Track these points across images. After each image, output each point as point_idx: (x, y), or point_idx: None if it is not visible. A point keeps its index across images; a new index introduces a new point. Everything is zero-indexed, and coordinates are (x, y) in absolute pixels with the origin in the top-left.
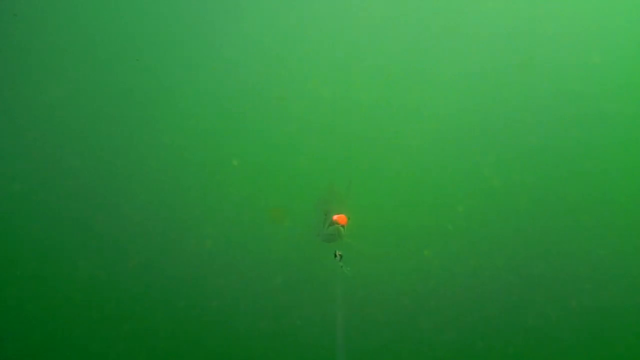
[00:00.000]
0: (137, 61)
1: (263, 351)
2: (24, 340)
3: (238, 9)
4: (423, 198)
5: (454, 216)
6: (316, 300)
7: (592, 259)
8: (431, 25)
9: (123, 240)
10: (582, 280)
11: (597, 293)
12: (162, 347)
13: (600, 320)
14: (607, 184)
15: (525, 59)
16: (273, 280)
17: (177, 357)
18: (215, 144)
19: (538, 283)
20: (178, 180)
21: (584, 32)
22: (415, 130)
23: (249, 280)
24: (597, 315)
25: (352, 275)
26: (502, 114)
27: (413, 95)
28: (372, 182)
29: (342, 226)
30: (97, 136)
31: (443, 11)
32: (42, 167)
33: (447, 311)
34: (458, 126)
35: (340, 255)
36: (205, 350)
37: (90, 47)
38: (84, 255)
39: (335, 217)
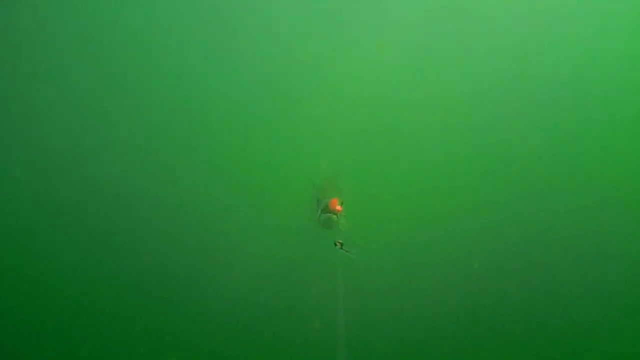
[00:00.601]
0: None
1: (264, 349)
2: (27, 339)
3: (242, 8)
4: (425, 192)
5: (455, 212)
6: (316, 296)
7: (594, 257)
8: (435, 22)
9: (126, 237)
10: (584, 279)
11: (597, 292)
12: (163, 346)
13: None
14: (610, 183)
15: (531, 58)
16: (272, 277)
17: (180, 356)
18: (218, 142)
19: (541, 279)
20: (178, 180)
21: (589, 33)
22: (419, 124)
23: (248, 277)
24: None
25: (355, 260)
26: (506, 110)
27: (415, 91)
28: (373, 177)
29: (336, 212)
30: (98, 136)
31: (446, 10)
32: (46, 169)
33: (447, 307)
34: (460, 122)
35: (340, 243)
36: (206, 349)
37: (93, 47)
38: (88, 255)
39: (329, 203)
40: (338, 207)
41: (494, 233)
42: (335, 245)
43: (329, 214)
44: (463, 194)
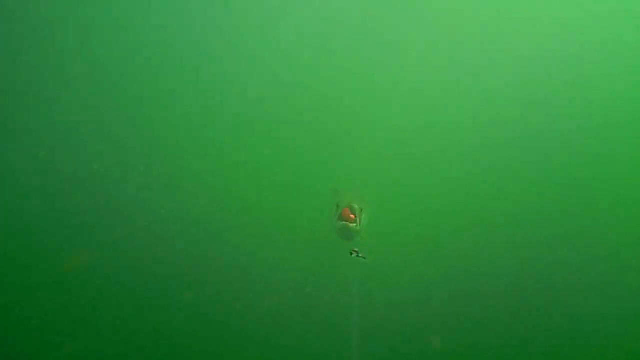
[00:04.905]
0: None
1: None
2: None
3: (239, 11)
4: (436, 201)
5: (463, 220)
6: (331, 304)
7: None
8: (434, 27)
9: (130, 243)
10: (585, 284)
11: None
12: (164, 349)
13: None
14: (610, 189)
15: (532, 63)
16: (286, 282)
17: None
18: (224, 145)
19: (549, 286)
20: (183, 183)
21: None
22: (427, 134)
23: (259, 282)
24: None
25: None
26: (511, 121)
27: (425, 101)
28: (385, 185)
29: (351, 222)
30: (92, 135)
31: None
32: (38, 168)
33: (459, 314)
34: (467, 132)
35: (356, 251)
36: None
37: (90, 47)
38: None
39: (344, 212)
40: (352, 216)
41: (512, 245)
42: (351, 254)
43: (344, 223)
44: (480, 206)
